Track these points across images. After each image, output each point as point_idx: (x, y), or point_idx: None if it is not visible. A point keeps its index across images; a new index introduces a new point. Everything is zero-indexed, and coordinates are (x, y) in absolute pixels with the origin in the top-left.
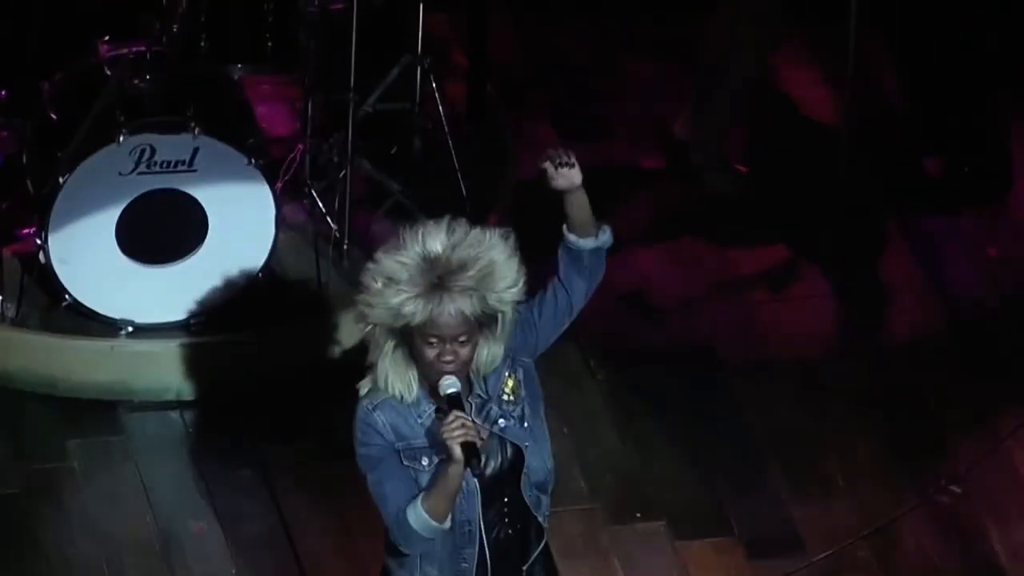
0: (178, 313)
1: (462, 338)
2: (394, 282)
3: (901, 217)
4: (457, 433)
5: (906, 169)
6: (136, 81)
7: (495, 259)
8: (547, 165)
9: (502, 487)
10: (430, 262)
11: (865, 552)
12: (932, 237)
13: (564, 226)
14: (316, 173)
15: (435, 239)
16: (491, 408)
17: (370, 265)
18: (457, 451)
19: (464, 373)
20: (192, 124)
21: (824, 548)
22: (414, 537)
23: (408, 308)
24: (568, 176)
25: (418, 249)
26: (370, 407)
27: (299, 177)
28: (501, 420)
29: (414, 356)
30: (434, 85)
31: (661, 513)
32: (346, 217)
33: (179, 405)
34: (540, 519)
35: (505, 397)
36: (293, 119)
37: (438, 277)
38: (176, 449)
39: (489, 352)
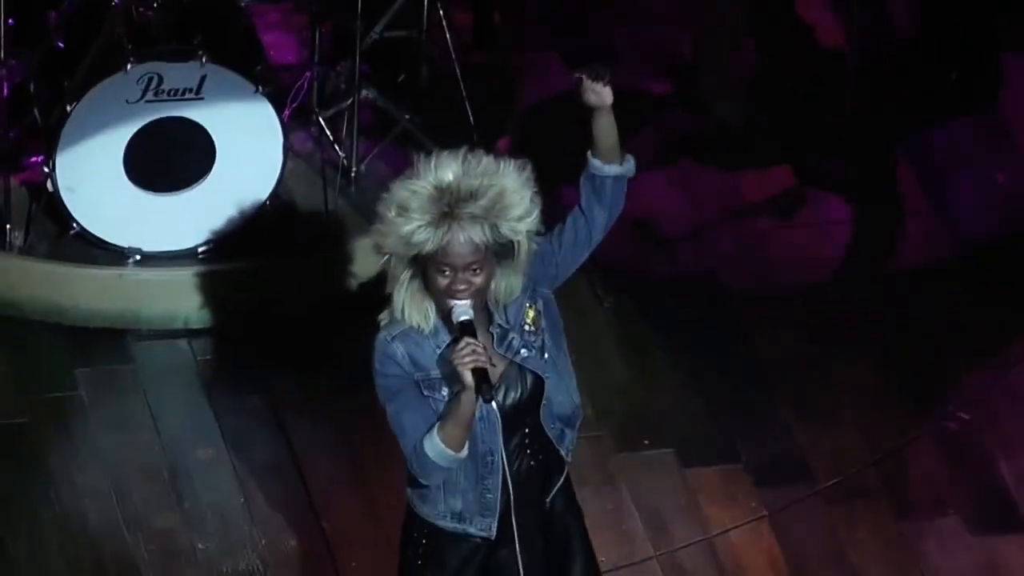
0: (186, 241)
1: (474, 266)
2: (405, 210)
3: (908, 144)
4: (468, 359)
5: (908, 88)
6: (143, 9)
7: (507, 187)
8: (584, 76)
9: (523, 417)
10: (441, 190)
11: (872, 479)
12: (940, 164)
13: (589, 152)
14: (323, 101)
15: (448, 168)
16: (513, 338)
17: (384, 194)
18: (468, 377)
19: (479, 302)
20: (199, 52)
21: (831, 476)
22: (431, 467)
23: (419, 236)
24: (600, 93)
25: (430, 178)
26: (388, 338)
27: (306, 105)
28: (523, 350)
29: (428, 285)
30: (441, 13)
31: (669, 440)
32: (354, 145)
33: (187, 333)
34: (563, 452)
35: (526, 327)
36: (300, 47)
37: (448, 205)
38: (185, 377)
39: (507, 282)
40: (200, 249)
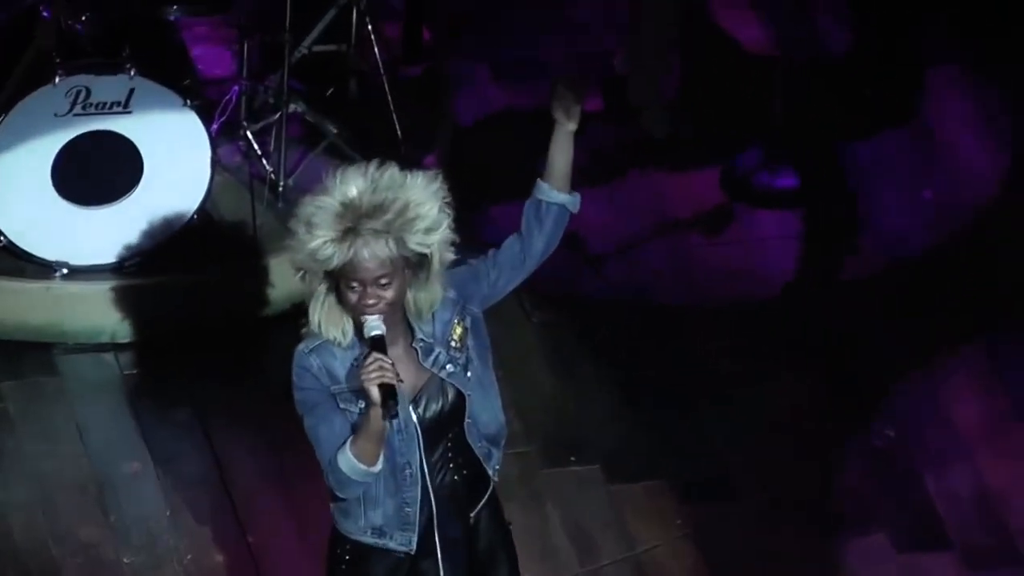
0: (113, 255)
1: (383, 280)
2: (312, 227)
3: (836, 157)
4: (374, 375)
5: (835, 102)
6: (72, 22)
7: (411, 200)
8: (560, 82)
9: (444, 431)
10: (346, 205)
11: (799, 495)
12: (866, 179)
13: (539, 178)
14: (252, 115)
15: (352, 183)
16: (438, 352)
17: (295, 211)
18: (374, 392)
19: (395, 315)
20: (128, 65)
21: (757, 491)
22: (346, 481)
23: (324, 252)
24: (570, 109)
25: (336, 193)
26: (306, 350)
27: (235, 119)
28: (448, 365)
29: (340, 300)
30: (370, 27)
31: (595, 456)
32: (282, 159)
33: (114, 347)
34: (490, 471)
35: (452, 343)
36: (229, 60)
37: (352, 221)
38: (111, 391)
39: (424, 294)
40: (127, 263)
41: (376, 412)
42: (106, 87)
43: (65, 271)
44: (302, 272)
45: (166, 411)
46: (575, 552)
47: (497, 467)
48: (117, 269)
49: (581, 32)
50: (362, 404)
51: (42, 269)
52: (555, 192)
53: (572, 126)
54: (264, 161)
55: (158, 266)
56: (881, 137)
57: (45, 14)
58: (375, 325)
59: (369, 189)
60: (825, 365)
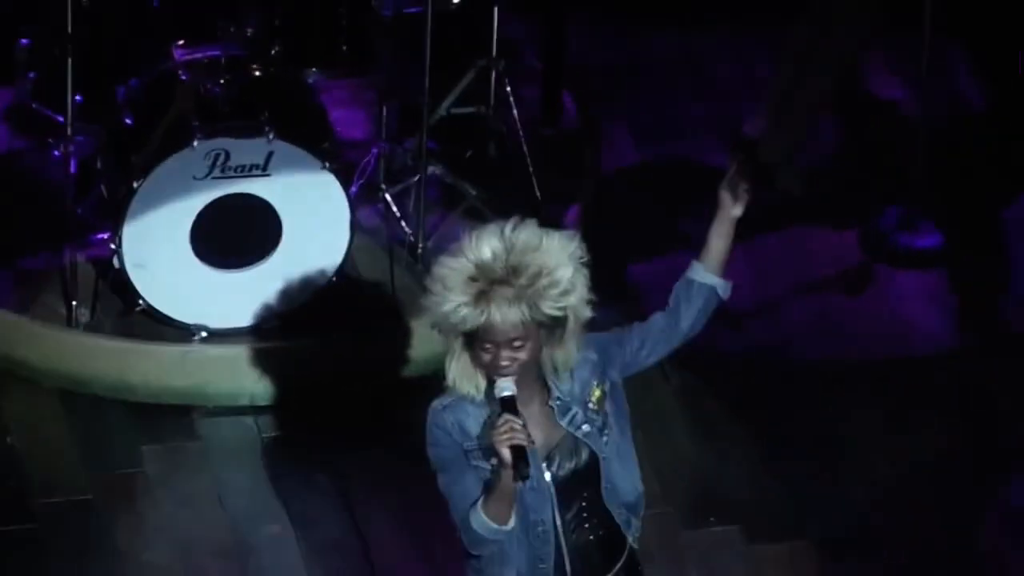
0: (252, 318)
1: (516, 343)
2: (445, 288)
3: (981, 214)
4: (504, 437)
5: (981, 164)
6: (210, 85)
7: (546, 265)
8: (737, 163)
9: (579, 490)
10: (480, 268)
11: (942, 554)
12: (1013, 237)
13: (695, 260)
14: (391, 177)
15: (487, 244)
16: (576, 412)
17: (431, 269)
18: (505, 454)
19: (530, 374)
20: (266, 128)
21: (901, 550)
22: (479, 540)
23: (457, 315)
24: (738, 194)
25: (471, 255)
26: (440, 407)
27: (374, 181)
28: (585, 425)
29: (473, 358)
30: (508, 88)
31: (735, 517)
32: (421, 221)
33: (254, 410)
34: (630, 539)
35: (590, 405)
36: (367, 123)
37: (486, 285)
38: (251, 454)
39: (561, 352)
40: (266, 326)
41: (507, 473)
42: (245, 150)
43: (204, 334)
44: (438, 328)
45: (306, 475)
46: None
47: (636, 535)
48: (256, 332)
49: (720, 97)
50: (494, 461)
51: (181, 333)
52: (709, 275)
53: (737, 212)
54: (403, 223)
55: (297, 329)
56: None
57: (184, 77)
58: (506, 386)
59: (504, 252)
60: (967, 423)
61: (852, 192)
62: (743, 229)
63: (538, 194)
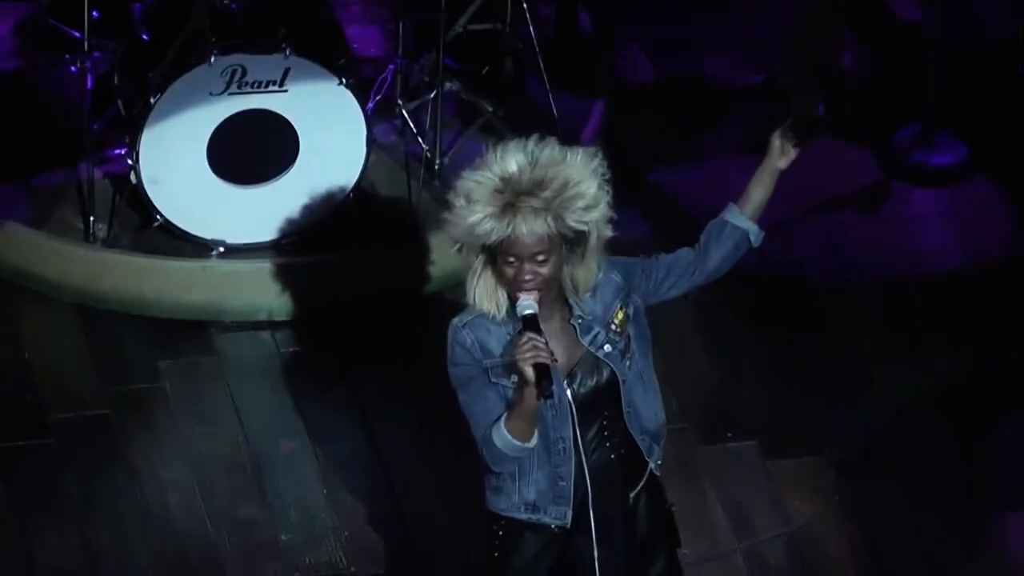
0: (269, 233)
1: (540, 256)
2: (471, 201)
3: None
4: (528, 355)
5: (995, 87)
6: (227, 2)
7: (571, 178)
8: (795, 126)
9: (599, 409)
10: (505, 181)
11: (956, 472)
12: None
13: (734, 204)
14: (407, 93)
15: (512, 159)
16: (598, 332)
17: (454, 184)
18: (528, 372)
19: (551, 292)
20: (283, 44)
21: (915, 467)
22: (500, 456)
23: (483, 227)
24: (788, 151)
25: (496, 168)
26: (460, 324)
27: (390, 98)
28: (607, 346)
29: (496, 275)
30: (525, 5)
31: (752, 433)
32: (437, 137)
33: (271, 326)
34: (652, 464)
35: (613, 326)
36: (384, 40)
37: (512, 197)
38: (268, 369)
39: (581, 271)
40: (283, 241)
41: (530, 391)
42: (262, 66)
43: (222, 249)
44: (459, 245)
45: (323, 390)
46: (732, 528)
47: (659, 462)
48: (273, 247)
49: (734, 17)
50: (516, 377)
51: (199, 248)
52: (744, 219)
53: (783, 164)
54: (420, 140)
55: (314, 244)
56: None
57: None
58: (528, 304)
59: (529, 165)
60: (980, 342)
61: (869, 110)
62: (758, 145)
63: (555, 111)
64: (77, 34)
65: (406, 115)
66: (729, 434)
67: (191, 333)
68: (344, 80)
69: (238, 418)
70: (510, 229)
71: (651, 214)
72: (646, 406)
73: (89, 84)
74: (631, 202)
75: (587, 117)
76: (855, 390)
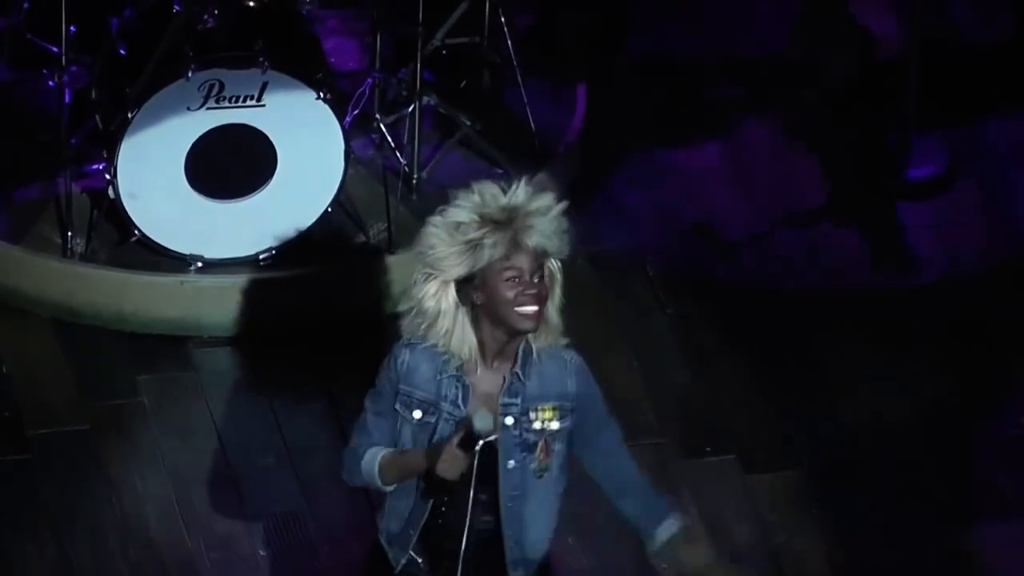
0: (247, 248)
1: (537, 276)
2: (466, 224)
3: (967, 141)
4: (442, 468)
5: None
6: (205, 16)
7: (554, 204)
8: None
9: (486, 480)
10: (493, 206)
11: (936, 484)
12: (1001, 162)
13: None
14: (385, 107)
15: (491, 191)
16: (515, 403)
17: (429, 228)
18: (433, 477)
19: (513, 342)
20: (261, 59)
21: (895, 479)
22: (354, 471)
23: (488, 240)
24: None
25: (477, 198)
26: (405, 342)
27: (368, 112)
28: (510, 419)
29: (492, 301)
30: (503, 18)
31: (731, 447)
32: (415, 151)
33: (249, 340)
34: None
35: (532, 415)
36: (361, 53)
37: (507, 214)
38: (246, 384)
39: (551, 318)
40: (262, 256)
41: (422, 471)
42: (239, 81)
43: (200, 265)
44: (427, 290)
45: (301, 404)
46: (711, 542)
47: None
48: (252, 262)
49: (718, 33)
50: (416, 414)
51: (177, 263)
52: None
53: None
54: (398, 154)
55: (292, 259)
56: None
57: (177, 8)
58: (487, 430)
59: (514, 193)
60: (960, 353)
61: (848, 120)
62: (736, 158)
63: (532, 124)
64: (55, 49)
65: (384, 129)
66: (708, 448)
67: (169, 348)
68: (322, 94)
69: (216, 432)
70: (516, 239)
71: (630, 227)
72: (534, 523)
73: (67, 99)
74: (611, 214)
75: (565, 130)
76: (834, 403)
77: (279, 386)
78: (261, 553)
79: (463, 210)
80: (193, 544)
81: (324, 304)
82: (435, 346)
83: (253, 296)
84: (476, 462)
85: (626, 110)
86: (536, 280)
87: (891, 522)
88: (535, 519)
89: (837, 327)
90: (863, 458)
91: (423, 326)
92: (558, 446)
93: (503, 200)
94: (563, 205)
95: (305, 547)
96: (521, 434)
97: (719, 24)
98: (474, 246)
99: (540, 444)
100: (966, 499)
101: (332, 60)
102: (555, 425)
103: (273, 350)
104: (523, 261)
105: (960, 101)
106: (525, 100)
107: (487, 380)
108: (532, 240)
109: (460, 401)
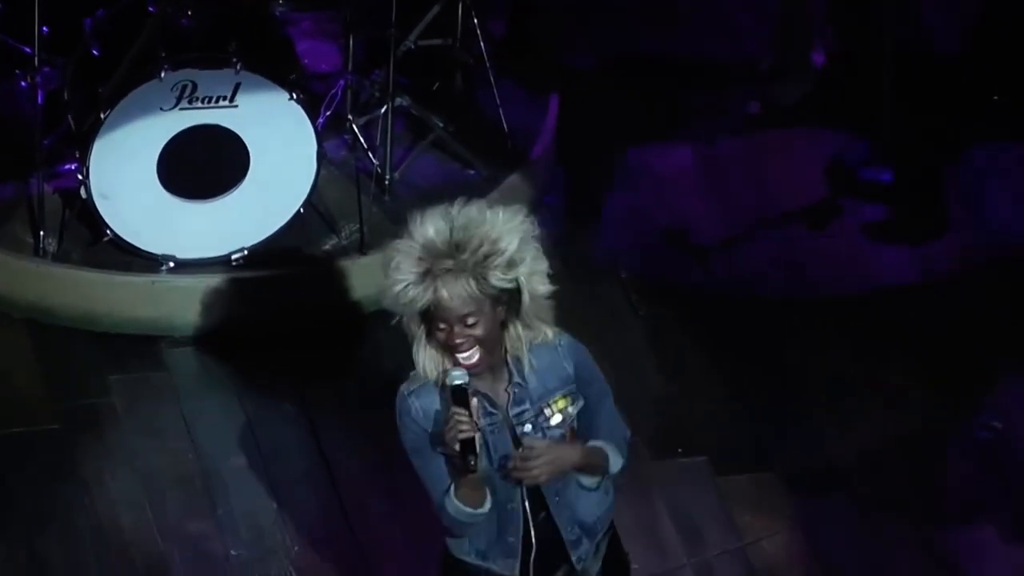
0: (219, 249)
1: (469, 320)
2: (395, 271)
3: (949, 159)
4: (451, 433)
5: (951, 105)
6: (178, 17)
7: (488, 236)
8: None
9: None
10: (425, 247)
11: (907, 488)
12: (979, 178)
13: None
14: (358, 109)
15: (431, 224)
16: (525, 409)
17: (386, 257)
18: (455, 448)
19: (493, 354)
20: (234, 60)
21: (866, 483)
22: (456, 523)
23: (406, 295)
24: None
25: (417, 235)
26: (406, 392)
27: (341, 113)
28: (528, 425)
29: (431, 342)
30: (475, 20)
31: (703, 448)
32: (388, 152)
33: (220, 341)
34: (574, 559)
35: (547, 412)
36: (334, 55)
37: (430, 262)
38: (218, 385)
39: (523, 331)
40: (234, 256)
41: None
42: (212, 81)
43: (171, 265)
44: (399, 317)
45: (273, 405)
46: (682, 543)
47: (584, 557)
48: (223, 263)
49: (689, 29)
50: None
51: (149, 263)
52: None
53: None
54: (370, 155)
55: (264, 260)
56: (999, 144)
57: (151, 8)
58: (457, 375)
59: (446, 229)
60: (932, 357)
61: (818, 126)
62: (708, 163)
63: (505, 126)
64: (27, 49)
65: (356, 130)
66: (680, 449)
67: (141, 348)
68: (295, 95)
69: (188, 433)
70: (431, 294)
71: (602, 230)
72: (583, 499)
73: (39, 99)
74: (583, 218)
75: (538, 132)
76: (806, 406)
77: (251, 387)
78: (233, 553)
79: (396, 252)
80: (164, 544)
81: (296, 305)
82: (428, 380)
83: (225, 296)
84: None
85: (599, 113)
86: (468, 323)
87: (862, 525)
88: (582, 495)
89: (809, 331)
90: (835, 461)
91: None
92: (577, 424)
93: (431, 236)
94: (510, 229)
95: (276, 548)
96: (544, 435)
97: (693, 26)
98: (398, 296)
99: (566, 434)
100: (938, 502)
101: (305, 61)
102: (572, 411)
103: (245, 350)
104: (447, 309)
105: (932, 106)
106: (498, 102)
107: (493, 388)
108: (446, 290)
109: (489, 407)
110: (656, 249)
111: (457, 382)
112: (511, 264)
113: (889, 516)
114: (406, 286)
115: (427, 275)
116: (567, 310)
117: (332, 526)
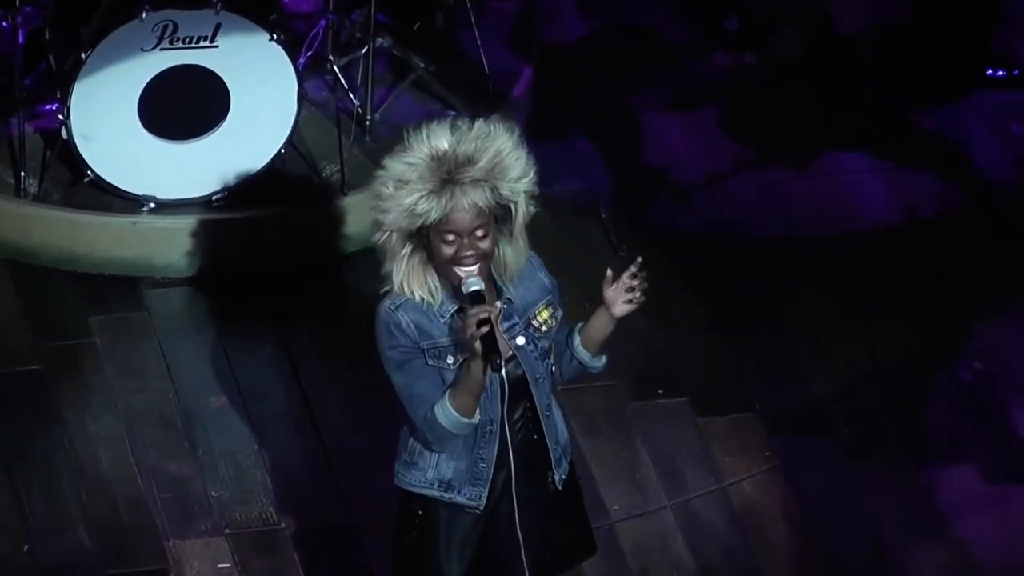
0: (200, 189)
1: (479, 232)
2: (405, 183)
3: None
4: (475, 329)
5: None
6: None
7: (502, 148)
8: (624, 278)
9: (523, 395)
10: (438, 159)
11: (888, 429)
12: (957, 114)
13: (578, 331)
14: (338, 49)
15: (441, 136)
16: (515, 322)
17: (379, 172)
18: (477, 345)
19: (486, 270)
20: (215, 0)
21: (847, 425)
22: (443, 434)
23: (423, 206)
24: (620, 303)
25: (425, 148)
26: (392, 307)
27: (321, 54)
28: (520, 338)
29: (433, 257)
30: None
31: (684, 389)
32: (369, 93)
33: (201, 281)
34: (556, 478)
35: (535, 323)
36: None
37: (448, 172)
38: (198, 325)
39: (511, 251)
40: (214, 197)
41: (477, 364)
42: (193, 22)
43: (152, 205)
44: (385, 235)
45: (253, 346)
46: (663, 484)
47: (563, 476)
48: (204, 203)
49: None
50: (451, 359)
51: (129, 204)
52: (584, 351)
53: (620, 313)
54: (351, 95)
55: (245, 200)
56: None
57: None
58: (474, 281)
59: (458, 140)
60: (914, 298)
61: (801, 70)
62: (691, 102)
63: (486, 67)
64: None
65: (337, 71)
66: (660, 391)
67: (122, 289)
68: (275, 36)
69: (168, 374)
70: (450, 204)
71: (584, 170)
72: (558, 418)
73: (20, 39)
74: (564, 158)
75: (519, 73)
76: (788, 346)
77: (231, 327)
78: (213, 494)
79: (404, 164)
80: (144, 485)
81: (277, 245)
82: (413, 296)
83: (206, 237)
84: (507, 388)
85: (581, 54)
86: (478, 236)
87: (843, 465)
88: (558, 413)
89: (792, 271)
90: (817, 402)
91: (391, 272)
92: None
93: (445, 148)
94: (514, 143)
95: (256, 488)
96: (536, 345)
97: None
98: (411, 207)
99: (551, 345)
100: (919, 442)
101: (286, 2)
102: (553, 322)
103: (225, 291)
104: (461, 220)
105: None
106: (479, 42)
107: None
108: (466, 199)
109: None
110: (637, 187)
111: (475, 287)
112: (519, 178)
113: (870, 456)
114: (422, 196)
115: (445, 185)
116: (547, 248)
117: (312, 465)
